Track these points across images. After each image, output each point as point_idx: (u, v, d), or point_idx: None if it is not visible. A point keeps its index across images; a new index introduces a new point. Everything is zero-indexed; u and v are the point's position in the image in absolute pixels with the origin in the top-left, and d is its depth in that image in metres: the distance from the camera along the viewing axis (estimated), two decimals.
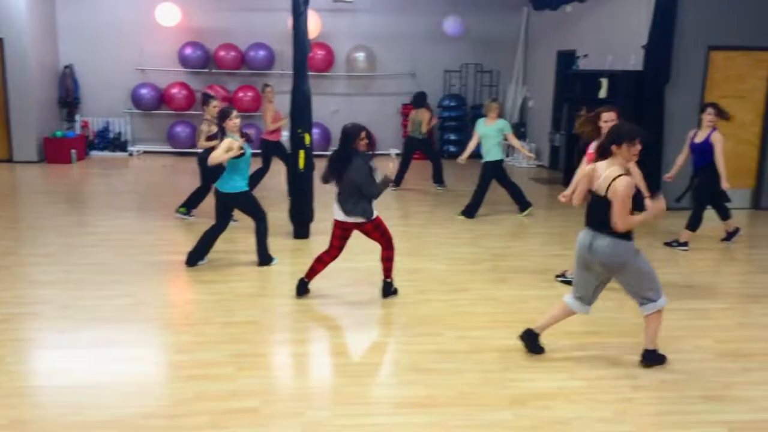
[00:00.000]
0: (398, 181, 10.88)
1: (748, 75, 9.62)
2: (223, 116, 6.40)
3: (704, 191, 7.54)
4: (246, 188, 6.53)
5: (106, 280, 6.15)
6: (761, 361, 4.78)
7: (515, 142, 9.09)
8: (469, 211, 8.96)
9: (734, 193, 8.57)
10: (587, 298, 4.59)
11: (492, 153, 8.81)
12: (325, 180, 5.57)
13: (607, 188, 4.26)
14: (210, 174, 7.98)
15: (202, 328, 5.12)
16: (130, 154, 13.91)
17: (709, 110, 7.44)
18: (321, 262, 5.75)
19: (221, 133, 6.44)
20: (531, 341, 4.72)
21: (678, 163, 7.83)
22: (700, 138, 7.47)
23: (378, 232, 5.64)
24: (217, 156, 6.25)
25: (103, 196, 10.29)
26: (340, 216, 5.55)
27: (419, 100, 11.00)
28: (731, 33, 9.34)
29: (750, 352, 4.94)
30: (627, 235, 4.34)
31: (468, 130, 13.26)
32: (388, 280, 5.82)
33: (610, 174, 4.27)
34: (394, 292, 5.86)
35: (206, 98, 8.16)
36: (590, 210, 4.50)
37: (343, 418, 3.88)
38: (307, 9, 7.41)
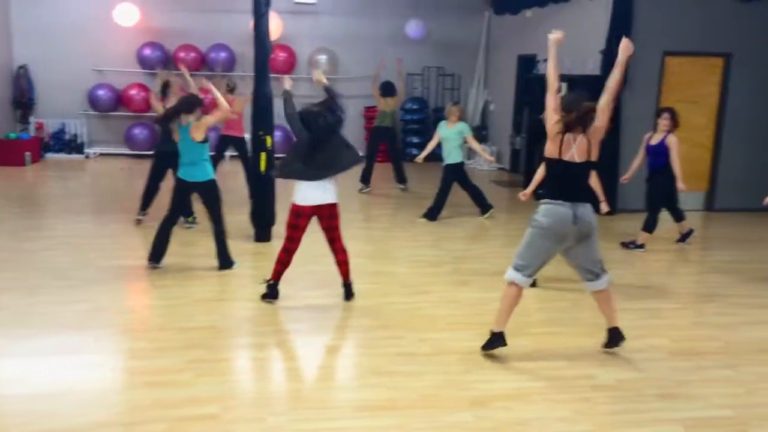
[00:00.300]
0: (366, 178, 10.83)
1: (701, 80, 9.87)
2: (195, 104, 6.35)
3: (659, 193, 7.72)
4: (214, 176, 6.47)
5: (63, 286, 6.01)
6: (714, 360, 4.91)
7: (475, 145, 9.12)
8: (431, 214, 9.00)
9: (688, 196, 8.79)
10: (535, 272, 4.70)
11: (453, 156, 8.88)
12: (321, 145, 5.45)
13: (588, 152, 4.48)
14: (161, 172, 7.90)
15: (159, 334, 5.05)
16: (87, 157, 13.64)
17: (665, 115, 7.64)
18: (285, 264, 5.68)
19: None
20: (502, 340, 4.75)
21: (634, 166, 8.00)
22: (655, 140, 7.65)
23: (339, 219, 5.64)
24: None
25: (59, 199, 10.08)
26: (318, 198, 5.46)
27: (388, 89, 10.96)
28: (686, 39, 9.58)
29: (703, 350, 5.07)
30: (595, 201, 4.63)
31: (430, 132, 13.30)
32: (348, 282, 5.82)
33: (581, 140, 4.50)
34: (354, 294, 5.85)
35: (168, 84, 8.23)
36: (567, 183, 4.56)
37: (304, 423, 3.86)
38: (269, 10, 7.38)
